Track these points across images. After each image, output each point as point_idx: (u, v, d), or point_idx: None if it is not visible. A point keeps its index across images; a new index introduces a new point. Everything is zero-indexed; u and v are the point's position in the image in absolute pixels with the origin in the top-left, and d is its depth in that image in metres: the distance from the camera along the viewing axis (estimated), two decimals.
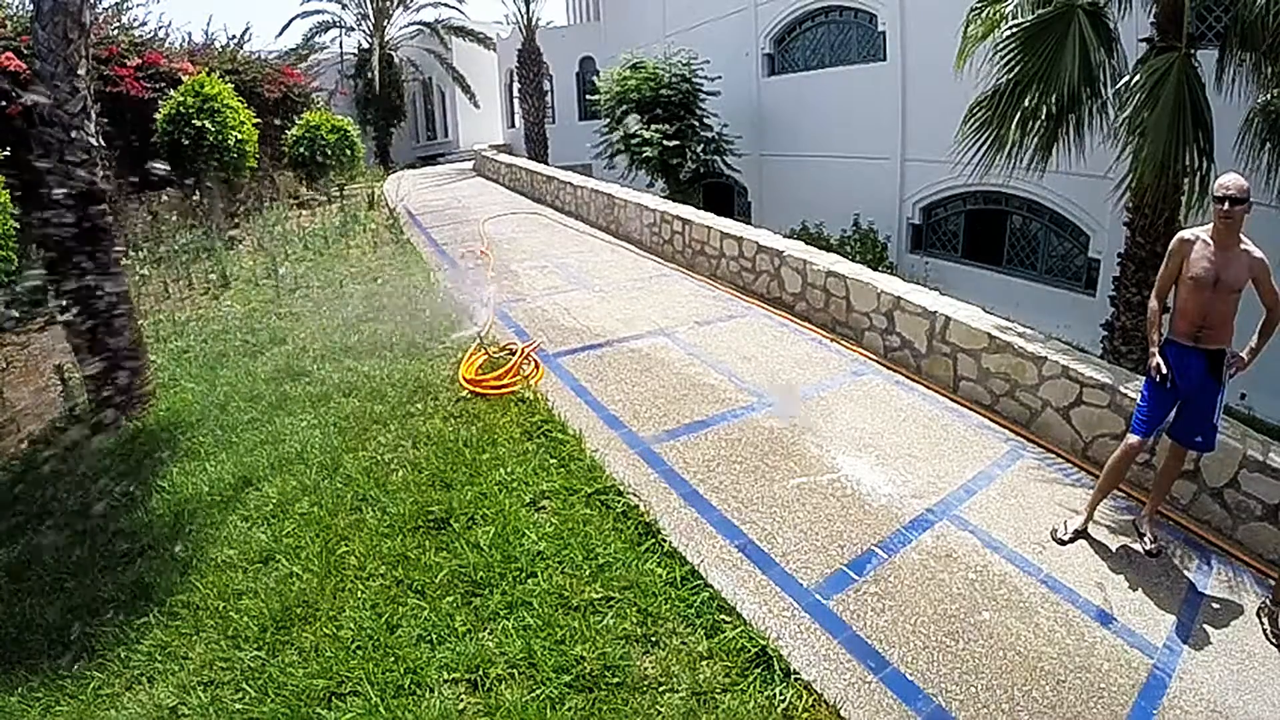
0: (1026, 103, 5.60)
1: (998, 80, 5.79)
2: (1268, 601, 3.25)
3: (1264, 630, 3.13)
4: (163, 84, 10.81)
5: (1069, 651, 2.89)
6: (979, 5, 6.22)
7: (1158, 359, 3.41)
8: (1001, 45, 5.73)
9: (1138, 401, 3.58)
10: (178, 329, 6.74)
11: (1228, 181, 3.23)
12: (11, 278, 5.84)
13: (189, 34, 14.45)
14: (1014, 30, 5.69)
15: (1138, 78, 5.31)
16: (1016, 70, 5.66)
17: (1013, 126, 5.66)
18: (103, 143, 4.85)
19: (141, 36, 11.51)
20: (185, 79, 10.73)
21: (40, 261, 5.17)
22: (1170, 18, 5.56)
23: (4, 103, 5.07)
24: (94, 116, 4.67)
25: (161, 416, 4.95)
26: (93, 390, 4.94)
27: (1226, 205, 3.19)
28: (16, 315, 6.70)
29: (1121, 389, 4.13)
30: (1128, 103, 5.25)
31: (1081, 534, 3.62)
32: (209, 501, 3.89)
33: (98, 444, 4.67)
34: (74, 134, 4.48)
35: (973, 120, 5.90)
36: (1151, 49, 5.64)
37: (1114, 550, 3.59)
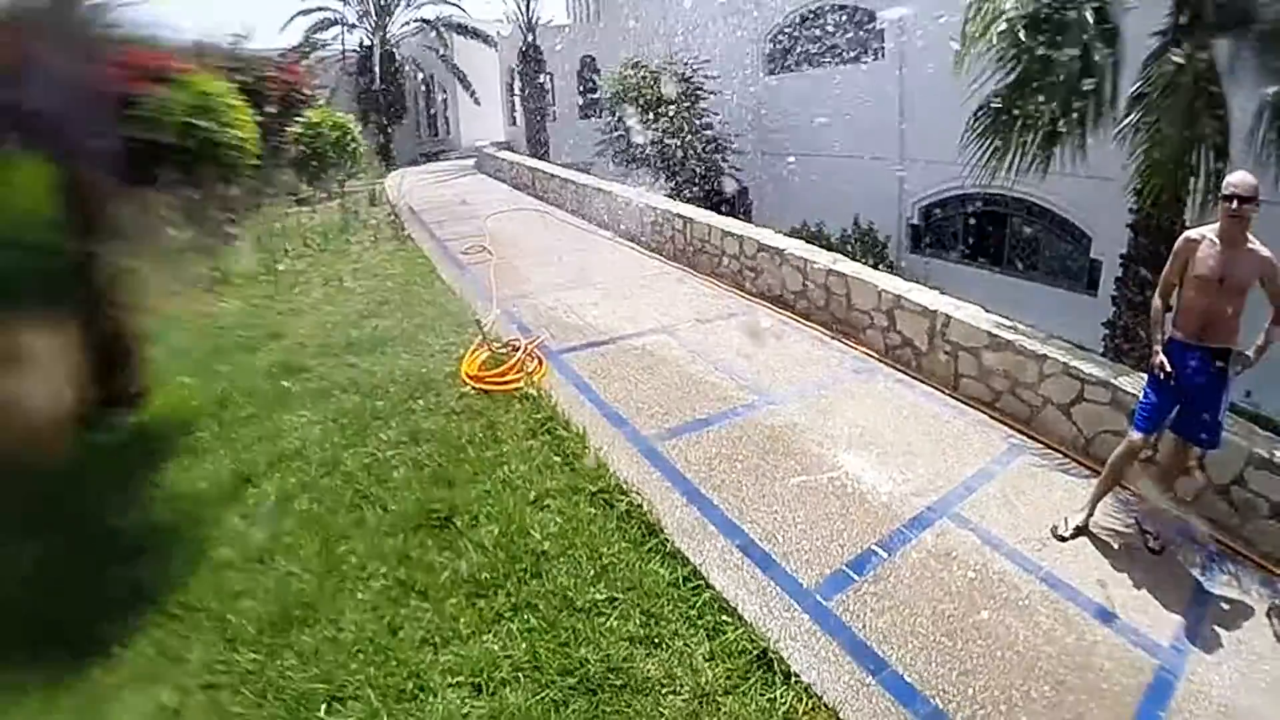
0: (1028, 106, 5.47)
1: (999, 82, 5.67)
2: (1278, 602, 3.25)
3: (1274, 631, 3.12)
4: (162, 83, 10.77)
5: (1069, 651, 2.89)
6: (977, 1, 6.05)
7: (1161, 357, 3.40)
8: (1000, 43, 5.59)
9: (1140, 398, 3.57)
10: (172, 325, 6.72)
11: (1236, 180, 3.20)
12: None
13: (195, 40, 14.40)
14: (1012, 25, 5.53)
15: (1149, 74, 5.18)
16: (1017, 71, 5.55)
17: (1014, 132, 5.55)
18: (100, 144, 4.85)
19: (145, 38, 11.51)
20: (184, 78, 10.70)
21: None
22: (1188, 7, 5.35)
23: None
24: (94, 119, 4.68)
25: (157, 413, 4.91)
26: (85, 386, 4.94)
27: (1235, 204, 3.15)
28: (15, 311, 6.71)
29: (1123, 386, 4.13)
30: (1138, 103, 5.15)
31: (1083, 531, 3.62)
32: (206, 500, 3.85)
33: (90, 440, 4.66)
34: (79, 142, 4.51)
35: (975, 126, 5.82)
36: (1165, 43, 5.49)
37: (1116, 548, 3.59)
